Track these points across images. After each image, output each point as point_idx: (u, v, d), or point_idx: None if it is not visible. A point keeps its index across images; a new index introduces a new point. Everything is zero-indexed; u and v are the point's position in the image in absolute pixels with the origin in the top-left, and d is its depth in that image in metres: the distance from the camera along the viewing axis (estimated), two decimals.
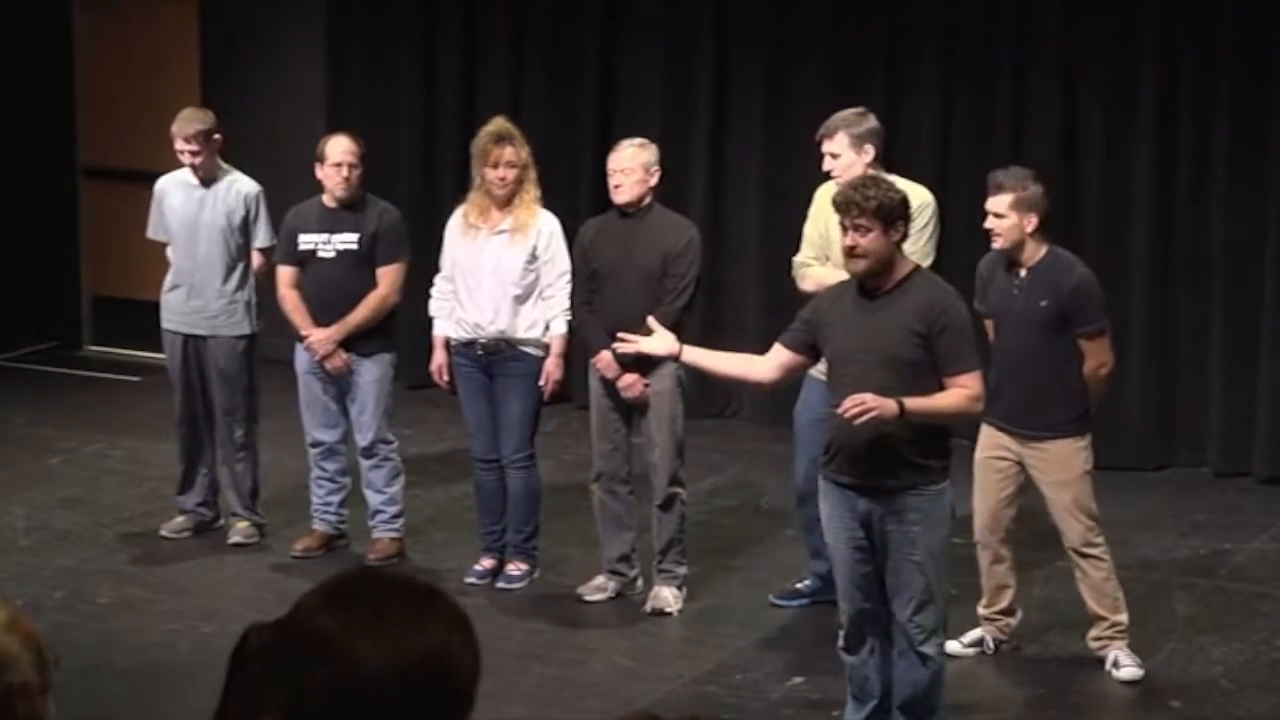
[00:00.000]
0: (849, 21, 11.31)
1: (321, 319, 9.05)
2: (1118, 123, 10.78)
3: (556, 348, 8.76)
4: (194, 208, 9.27)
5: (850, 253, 6.84)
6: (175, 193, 9.33)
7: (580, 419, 10.22)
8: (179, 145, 9.14)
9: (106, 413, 11.86)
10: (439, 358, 8.89)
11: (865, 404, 6.58)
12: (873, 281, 6.85)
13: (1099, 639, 8.01)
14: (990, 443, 7.93)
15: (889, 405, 6.59)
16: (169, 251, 9.43)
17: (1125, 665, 7.95)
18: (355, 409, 9.15)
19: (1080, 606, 8.10)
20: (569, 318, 8.74)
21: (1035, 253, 7.83)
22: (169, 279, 9.42)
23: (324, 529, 9.35)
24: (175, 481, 9.59)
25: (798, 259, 8.48)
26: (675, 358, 7.20)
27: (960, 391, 6.78)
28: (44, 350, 13.24)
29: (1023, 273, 7.83)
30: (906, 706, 7.03)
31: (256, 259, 9.34)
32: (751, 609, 8.74)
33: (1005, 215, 7.78)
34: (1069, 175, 10.87)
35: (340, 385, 9.15)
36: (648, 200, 8.58)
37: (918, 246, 7.88)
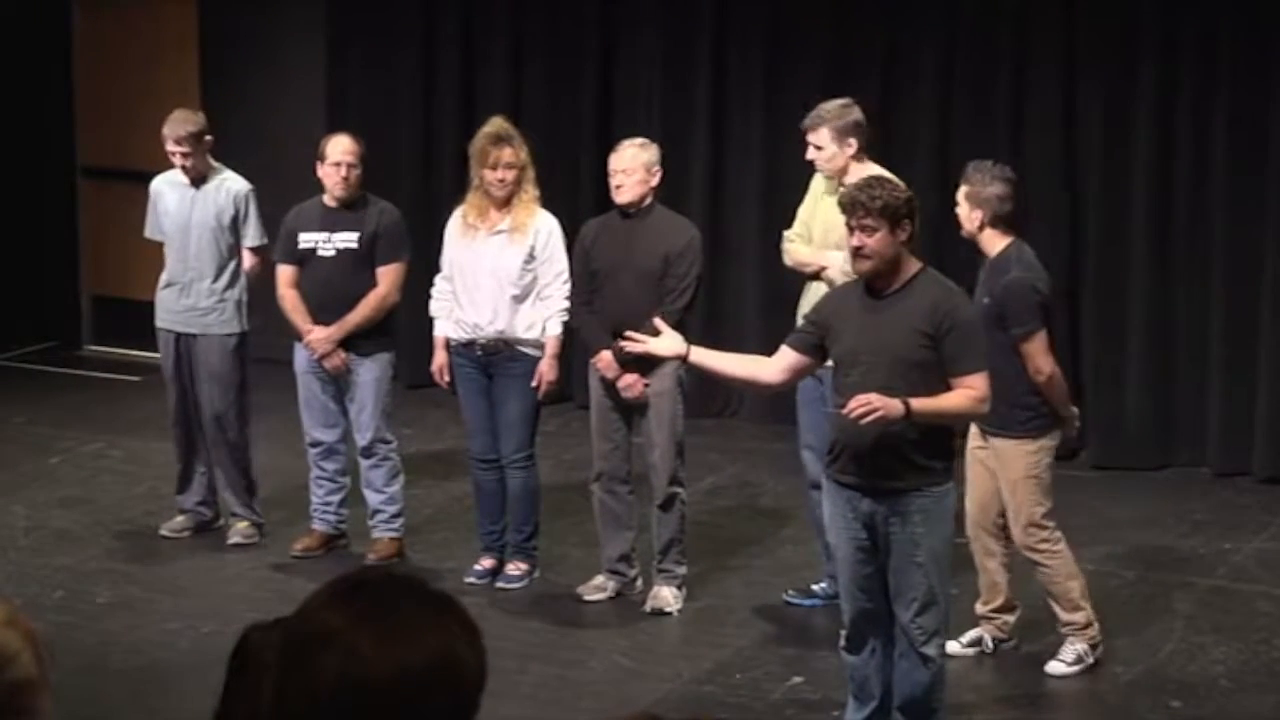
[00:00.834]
0: (848, 21, 11.31)
1: (321, 318, 9.05)
2: (1118, 123, 10.78)
3: (551, 348, 8.75)
4: (186, 207, 9.30)
5: (857, 253, 6.83)
6: (169, 193, 9.37)
7: (580, 419, 10.22)
8: (170, 146, 9.18)
9: (105, 412, 11.86)
10: (440, 358, 8.89)
11: (871, 404, 6.55)
12: (879, 282, 6.84)
13: (1061, 633, 8.06)
14: (974, 432, 7.97)
15: (895, 406, 6.57)
16: (166, 251, 9.46)
17: (1059, 658, 7.99)
18: (354, 408, 9.15)
19: None
20: (565, 318, 8.74)
21: (991, 248, 7.87)
22: (163, 277, 9.45)
23: (324, 529, 9.35)
24: (174, 481, 9.60)
25: (787, 233, 8.61)
26: (683, 358, 7.17)
27: (966, 392, 6.77)
28: (43, 350, 13.23)
29: (984, 266, 7.91)
30: (907, 707, 7.02)
31: (248, 258, 9.35)
32: (751, 609, 8.74)
33: (960, 204, 7.91)
34: (1069, 175, 10.88)
35: (339, 385, 9.15)
36: (649, 200, 8.58)
37: None
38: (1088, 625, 8.01)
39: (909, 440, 6.70)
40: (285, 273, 9.16)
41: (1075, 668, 8.00)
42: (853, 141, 8.31)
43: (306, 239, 9.10)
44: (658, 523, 8.68)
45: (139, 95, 12.70)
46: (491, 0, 12.07)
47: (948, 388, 6.75)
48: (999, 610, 8.17)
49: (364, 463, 9.21)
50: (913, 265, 6.90)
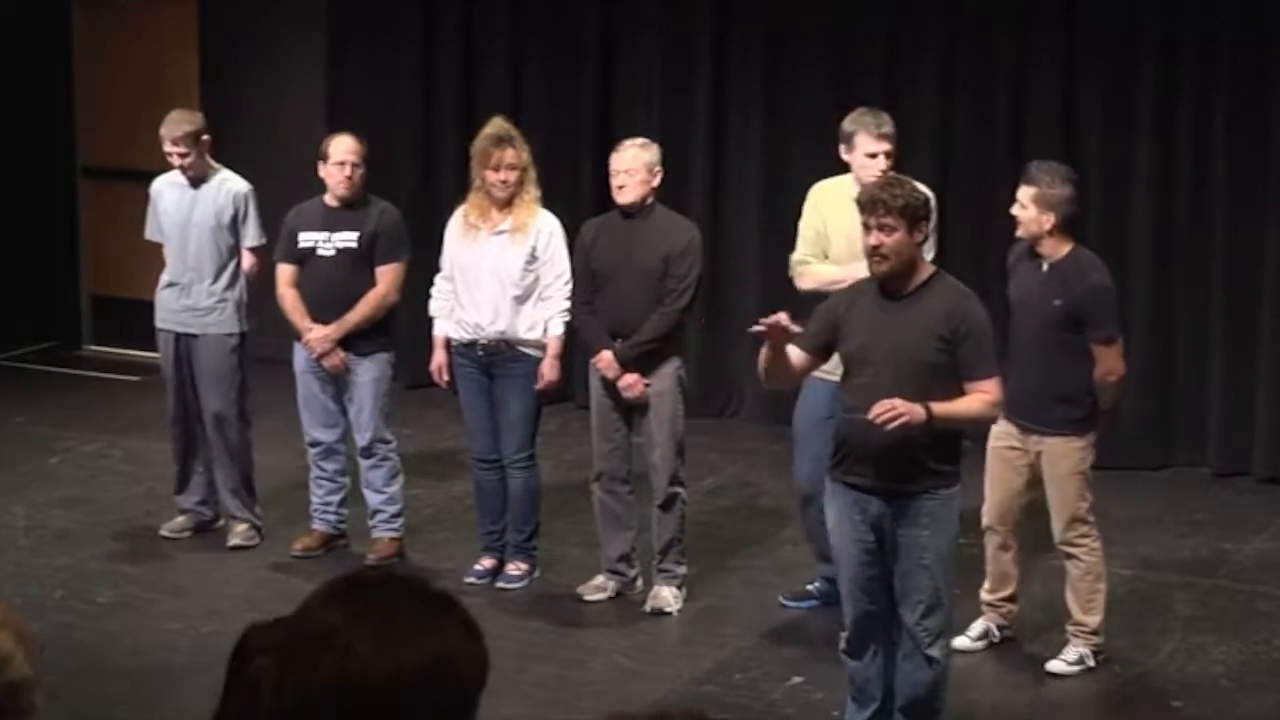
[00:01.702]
0: (849, 21, 11.31)
1: (320, 317, 9.05)
2: (1118, 123, 10.78)
3: (552, 349, 8.75)
4: (185, 207, 9.30)
5: (874, 252, 6.75)
6: (168, 193, 9.37)
7: (580, 419, 10.22)
8: (167, 147, 9.19)
9: (105, 412, 11.86)
10: (439, 358, 8.89)
11: (896, 409, 6.52)
12: (895, 283, 6.80)
13: (1068, 632, 8.09)
14: (1001, 431, 7.94)
15: (918, 411, 6.54)
16: (166, 251, 9.46)
17: (1061, 657, 8.02)
18: (354, 408, 9.15)
19: None
20: (566, 318, 8.74)
21: (1056, 251, 7.87)
22: (163, 277, 9.45)
23: (323, 529, 9.35)
24: (173, 481, 9.59)
25: (795, 256, 8.45)
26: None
27: (981, 397, 6.76)
28: (43, 350, 13.24)
29: (1045, 267, 7.89)
30: (909, 708, 7.02)
31: (247, 258, 9.35)
32: (751, 609, 8.74)
33: (1026, 207, 7.86)
34: None
35: (339, 384, 9.15)
36: (650, 200, 8.58)
37: None
38: (1095, 632, 8.03)
39: (920, 443, 6.68)
40: (285, 272, 9.16)
41: (1075, 668, 8.01)
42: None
43: (306, 238, 9.10)
44: (658, 523, 8.68)
45: (139, 95, 12.71)
46: (491, 0, 12.07)
47: (959, 391, 6.74)
48: (1005, 599, 8.23)
49: (364, 463, 9.21)
50: (927, 267, 6.88)
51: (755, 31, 11.50)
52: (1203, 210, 10.70)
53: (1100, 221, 10.82)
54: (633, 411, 8.63)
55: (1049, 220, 7.81)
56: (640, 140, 8.72)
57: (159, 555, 9.37)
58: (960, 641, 7.90)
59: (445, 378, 8.91)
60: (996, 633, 8.24)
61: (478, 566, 9.00)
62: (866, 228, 6.77)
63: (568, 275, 8.70)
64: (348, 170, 9.03)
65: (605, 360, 8.53)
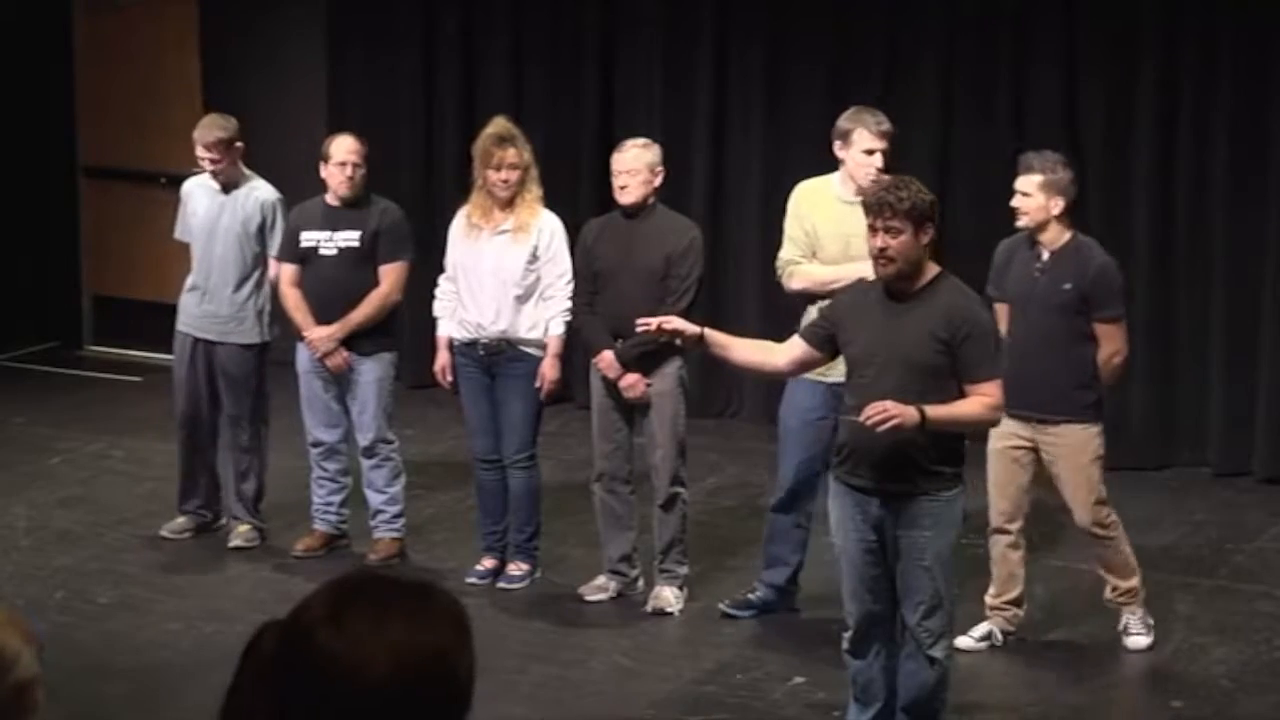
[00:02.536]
0: (849, 21, 11.31)
1: (322, 317, 9.05)
2: (1118, 123, 10.78)
3: (553, 348, 8.76)
4: (215, 212, 9.29)
5: (880, 254, 6.72)
6: (200, 195, 9.36)
7: (581, 419, 10.22)
8: (199, 152, 9.17)
9: (106, 413, 11.86)
10: (442, 358, 8.89)
11: (888, 411, 6.51)
12: (900, 284, 6.78)
13: (1111, 600, 8.16)
14: (1004, 431, 7.86)
15: (911, 414, 6.52)
16: (192, 253, 9.45)
17: (1134, 633, 8.10)
18: (356, 408, 9.16)
19: (1081, 606, 8.09)
20: (567, 318, 8.74)
21: (1059, 237, 7.90)
22: (189, 280, 9.44)
23: (325, 529, 9.35)
24: (175, 485, 9.57)
25: (783, 257, 8.39)
26: (699, 338, 7.02)
27: (982, 400, 6.74)
28: (44, 350, 13.23)
29: (1045, 255, 7.91)
30: (911, 708, 7.02)
31: (273, 267, 9.32)
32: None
33: (1032, 195, 7.90)
34: None
35: (341, 384, 9.15)
36: (651, 201, 8.59)
37: None
38: (1137, 592, 8.10)
39: (921, 445, 6.67)
40: (287, 271, 9.16)
41: (1148, 635, 8.10)
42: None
43: (308, 238, 9.10)
44: (659, 523, 8.68)
45: (140, 95, 12.71)
46: (491, 0, 12.07)
47: (960, 393, 6.74)
48: (1011, 602, 8.20)
49: (365, 463, 9.21)
50: (932, 269, 6.85)
51: (755, 31, 11.50)
52: (1203, 210, 10.70)
53: (1100, 221, 10.80)
54: (634, 412, 8.64)
55: (1057, 205, 7.85)
56: (642, 140, 8.72)
57: (160, 555, 9.37)
58: (963, 641, 7.90)
59: (449, 379, 8.91)
60: (1000, 636, 8.21)
61: (479, 567, 9.00)
62: (873, 230, 6.75)
63: (569, 275, 8.71)
64: (349, 171, 9.03)
65: (606, 360, 8.54)
